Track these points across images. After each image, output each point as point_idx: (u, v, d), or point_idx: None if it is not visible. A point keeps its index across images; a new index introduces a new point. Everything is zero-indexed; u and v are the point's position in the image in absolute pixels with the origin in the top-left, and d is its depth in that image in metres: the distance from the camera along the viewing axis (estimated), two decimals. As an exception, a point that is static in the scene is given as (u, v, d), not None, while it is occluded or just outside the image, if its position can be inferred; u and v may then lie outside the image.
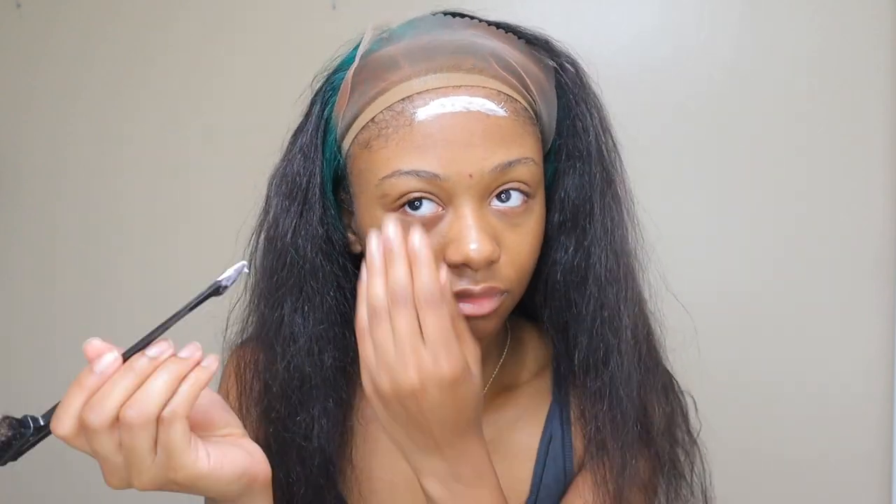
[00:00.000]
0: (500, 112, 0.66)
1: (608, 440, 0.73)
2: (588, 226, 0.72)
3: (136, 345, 0.56)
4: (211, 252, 0.80)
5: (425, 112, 0.64)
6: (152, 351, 0.56)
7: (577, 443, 0.77)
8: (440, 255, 0.65)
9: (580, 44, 1.50)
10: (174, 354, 0.57)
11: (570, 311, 0.73)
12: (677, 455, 0.77)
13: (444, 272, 0.61)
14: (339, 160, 0.71)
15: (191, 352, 0.57)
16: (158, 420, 0.55)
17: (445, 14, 0.70)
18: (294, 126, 0.74)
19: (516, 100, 0.67)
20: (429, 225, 0.65)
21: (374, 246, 0.60)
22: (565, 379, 0.78)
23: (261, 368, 0.77)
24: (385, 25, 0.70)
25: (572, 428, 0.78)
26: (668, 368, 0.81)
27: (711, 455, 0.82)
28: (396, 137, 0.64)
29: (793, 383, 1.43)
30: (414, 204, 0.65)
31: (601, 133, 0.73)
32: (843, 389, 1.42)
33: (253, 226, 0.76)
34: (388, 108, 0.65)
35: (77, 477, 1.66)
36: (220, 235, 0.79)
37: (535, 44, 0.71)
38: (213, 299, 0.76)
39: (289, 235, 0.71)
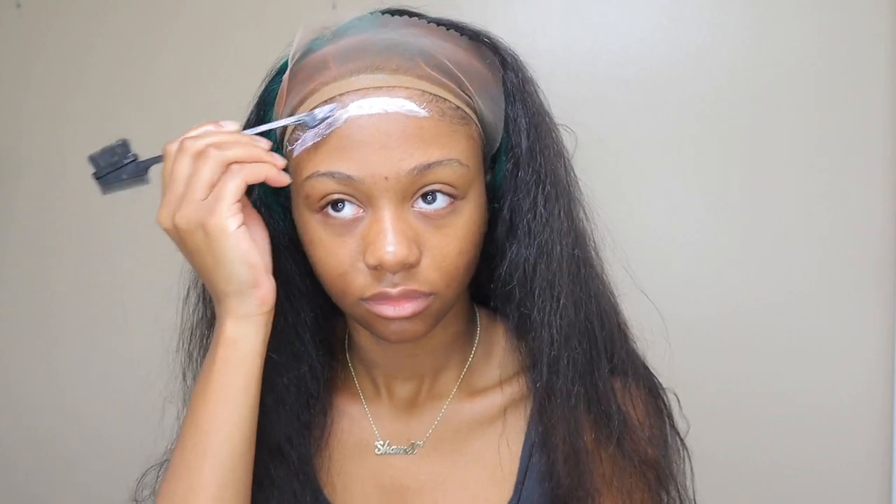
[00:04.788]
0: (422, 113, 0.65)
1: (557, 441, 0.73)
2: (524, 225, 0.72)
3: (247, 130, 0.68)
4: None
5: (344, 114, 0.64)
6: (258, 139, 0.66)
7: (561, 444, 0.75)
8: (360, 256, 0.66)
9: (581, 45, 1.51)
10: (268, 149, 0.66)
11: (519, 311, 0.73)
12: (654, 456, 0.76)
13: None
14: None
15: (278, 157, 0.66)
16: (227, 168, 0.64)
17: (384, 13, 0.70)
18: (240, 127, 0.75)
19: (445, 100, 0.66)
20: (350, 227, 0.66)
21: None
22: (544, 378, 0.77)
23: None
24: (332, 24, 0.70)
25: (555, 428, 0.75)
26: (647, 365, 0.80)
27: (708, 458, 0.82)
28: (316, 140, 0.65)
29: (792, 385, 1.43)
30: (336, 206, 0.65)
31: (535, 133, 0.72)
32: (842, 392, 1.41)
33: None
34: (311, 111, 0.65)
35: (77, 475, 1.67)
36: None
37: (478, 40, 0.71)
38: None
39: None
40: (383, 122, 0.64)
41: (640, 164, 1.45)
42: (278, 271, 0.69)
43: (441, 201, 0.66)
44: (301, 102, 0.67)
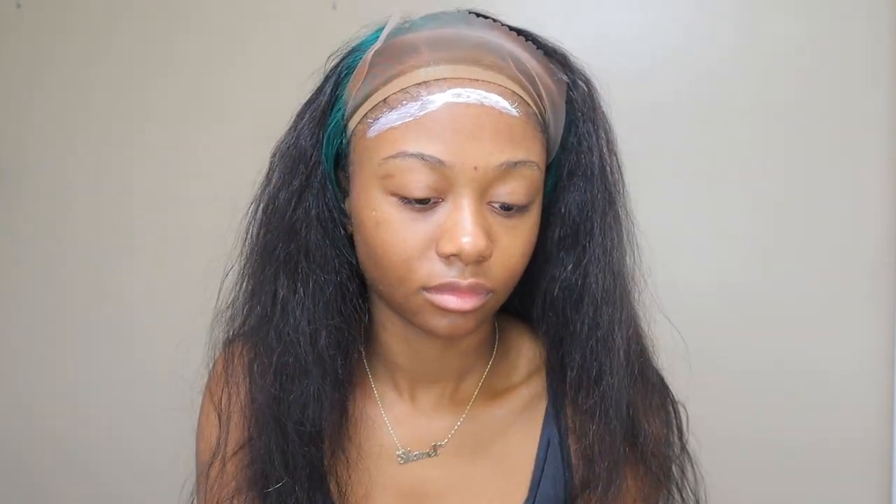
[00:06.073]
0: (513, 112, 0.65)
1: (596, 459, 0.73)
2: (588, 245, 0.72)
3: None
4: (217, 253, 0.80)
5: (440, 99, 0.64)
6: None
7: (575, 444, 0.77)
8: (432, 244, 0.65)
9: (581, 44, 1.50)
10: None
11: (566, 328, 0.73)
12: (671, 470, 0.77)
13: None
14: (342, 139, 0.70)
15: None
16: None
17: (469, 13, 0.70)
18: (304, 100, 0.73)
19: (528, 104, 0.67)
20: (426, 212, 0.65)
21: None
22: (560, 381, 0.78)
23: (248, 363, 0.76)
24: (407, 17, 0.70)
25: (569, 430, 0.77)
26: (664, 379, 0.81)
27: (709, 452, 0.82)
28: (406, 119, 0.64)
29: (792, 382, 1.43)
30: None
31: (606, 154, 0.73)
32: (842, 392, 1.42)
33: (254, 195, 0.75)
34: (403, 90, 0.65)
35: (87, 475, 1.67)
36: (225, 234, 0.79)
37: (551, 56, 0.71)
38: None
39: (288, 209, 0.71)
40: (478, 114, 0.64)
41: (639, 163, 1.45)
42: (329, 250, 0.68)
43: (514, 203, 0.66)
44: (387, 82, 0.66)
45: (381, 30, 0.70)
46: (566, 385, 0.75)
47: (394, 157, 0.64)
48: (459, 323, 0.67)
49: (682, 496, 0.79)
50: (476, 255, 0.63)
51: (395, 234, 0.65)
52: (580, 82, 0.73)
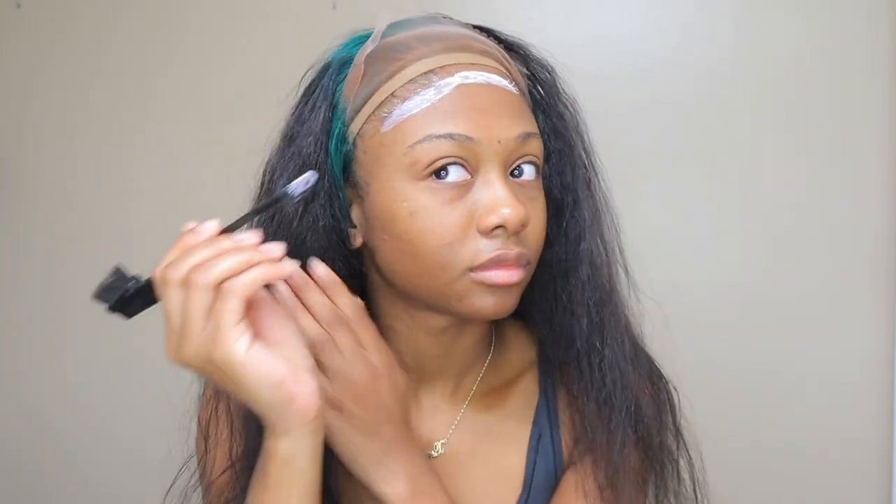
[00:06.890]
0: (513, 90, 0.69)
1: (597, 425, 0.74)
2: (571, 217, 0.74)
3: (230, 226, 0.61)
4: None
5: (452, 82, 0.66)
6: (239, 235, 0.59)
7: (566, 437, 0.78)
8: (471, 223, 0.66)
9: (581, 43, 1.51)
10: (258, 245, 0.59)
11: (559, 300, 0.75)
12: (666, 444, 0.77)
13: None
14: (346, 147, 0.70)
15: (272, 248, 0.58)
16: (217, 290, 0.57)
17: (436, 14, 0.73)
18: (295, 113, 0.73)
19: (518, 84, 0.71)
20: (459, 193, 0.66)
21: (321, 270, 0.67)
22: (551, 374, 0.79)
23: None
24: (378, 29, 0.71)
25: (560, 422, 0.78)
26: (654, 360, 0.81)
27: (710, 452, 0.82)
28: (423, 106, 0.66)
29: (792, 381, 1.44)
30: (440, 173, 0.66)
31: (576, 133, 0.75)
32: (842, 392, 1.42)
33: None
34: (411, 80, 0.67)
35: (86, 473, 1.67)
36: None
37: (512, 50, 0.74)
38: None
39: (295, 218, 0.70)
40: (490, 92, 0.67)
41: (639, 163, 1.46)
42: (333, 264, 0.68)
43: (529, 174, 0.69)
44: (389, 77, 0.68)
45: (347, 44, 0.72)
46: (561, 361, 0.76)
47: (420, 141, 0.65)
48: (506, 299, 0.68)
49: (675, 473, 0.79)
50: (519, 223, 0.65)
51: (432, 220, 0.65)
52: (544, 72, 0.75)
